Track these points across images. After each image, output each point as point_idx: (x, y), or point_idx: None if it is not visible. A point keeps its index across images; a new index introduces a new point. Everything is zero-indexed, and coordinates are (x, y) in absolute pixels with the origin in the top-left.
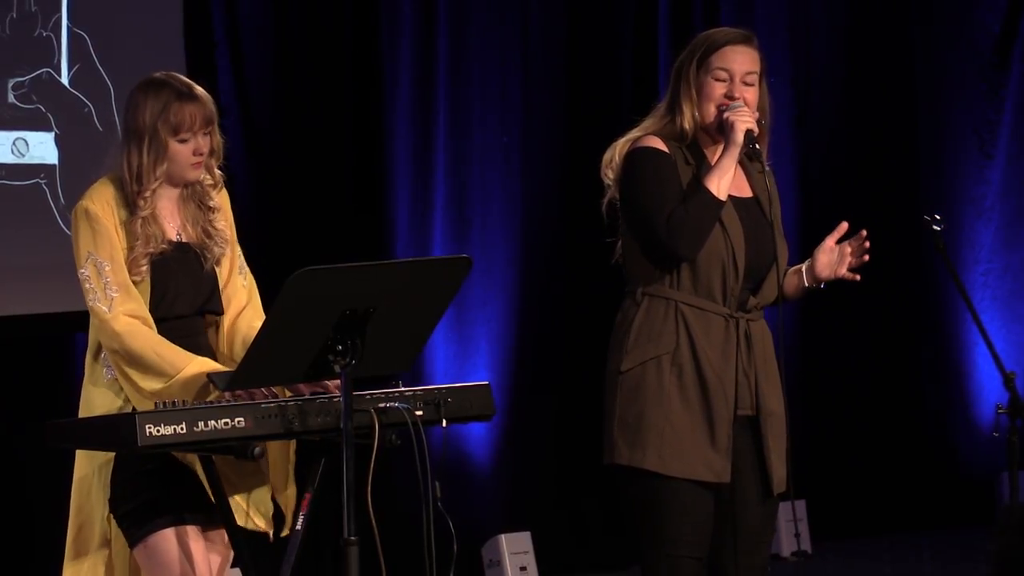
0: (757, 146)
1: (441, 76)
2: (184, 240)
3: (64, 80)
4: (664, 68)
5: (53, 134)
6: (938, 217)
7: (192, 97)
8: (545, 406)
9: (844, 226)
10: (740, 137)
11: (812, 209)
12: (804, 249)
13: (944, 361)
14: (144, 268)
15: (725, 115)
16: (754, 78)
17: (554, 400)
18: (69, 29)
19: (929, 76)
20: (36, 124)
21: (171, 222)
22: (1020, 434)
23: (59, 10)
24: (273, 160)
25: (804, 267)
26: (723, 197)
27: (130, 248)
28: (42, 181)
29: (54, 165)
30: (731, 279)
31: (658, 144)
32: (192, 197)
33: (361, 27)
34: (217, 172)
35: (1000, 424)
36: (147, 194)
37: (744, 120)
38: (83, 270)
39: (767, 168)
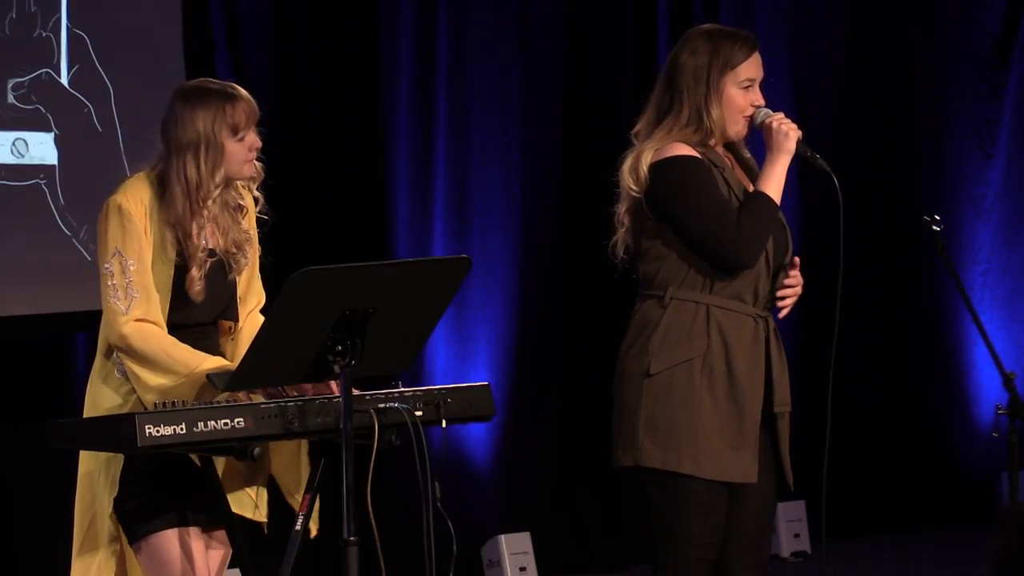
0: (815, 154)
1: (441, 76)
2: (211, 246)
3: (64, 80)
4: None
5: (53, 134)
6: (938, 217)
7: (238, 95)
8: (545, 406)
9: (796, 260)
10: (793, 145)
11: (812, 209)
12: (804, 251)
13: (944, 361)
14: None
15: (773, 124)
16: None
17: (554, 400)
18: (69, 29)
19: (929, 76)
20: (36, 124)
21: (207, 228)
22: (1020, 434)
23: (59, 10)
24: (273, 161)
25: None
26: (778, 204)
27: (160, 251)
28: (42, 181)
29: (54, 165)
30: (764, 279)
31: (693, 152)
32: (227, 203)
33: (361, 28)
34: (258, 164)
35: (1000, 424)
36: (209, 203)
37: (794, 128)
38: (108, 264)
39: (824, 166)
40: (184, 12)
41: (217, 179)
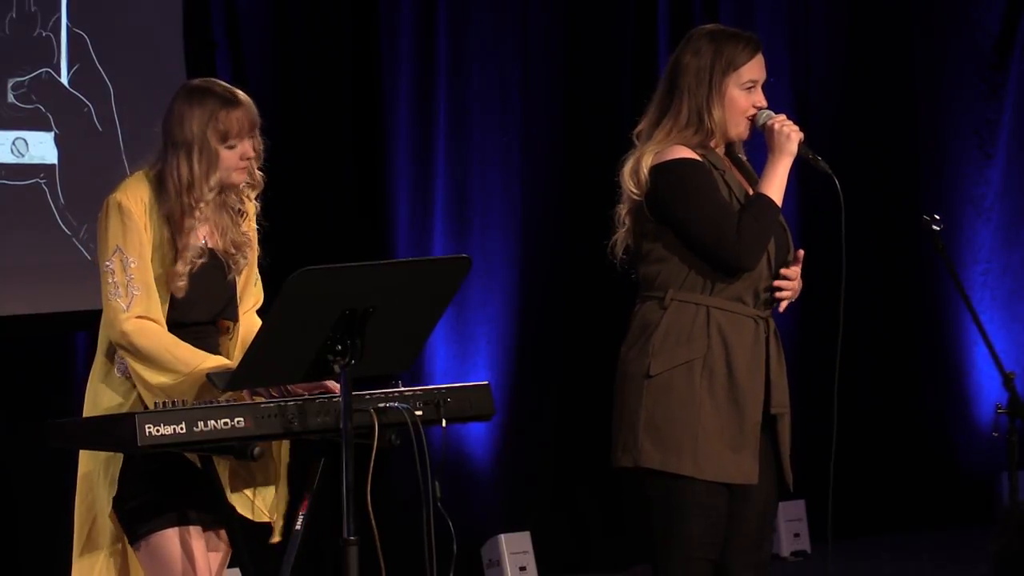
0: (816, 156)
1: (441, 76)
2: (210, 246)
3: (64, 80)
4: (664, 68)
5: (53, 134)
6: (937, 217)
7: (237, 103)
8: (545, 406)
9: (800, 254)
10: (795, 147)
11: (812, 209)
12: (804, 252)
13: (944, 361)
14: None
15: (775, 126)
16: None
17: (554, 400)
18: (69, 29)
19: (929, 76)
20: (36, 124)
21: (202, 228)
22: (1020, 434)
23: (59, 10)
24: (272, 161)
25: None
26: (780, 206)
27: (159, 249)
28: (42, 181)
29: (54, 165)
30: (765, 280)
31: (693, 155)
32: (226, 204)
33: (361, 28)
34: (258, 174)
35: (1000, 424)
36: (202, 205)
37: (795, 130)
38: (108, 262)
39: (825, 168)
40: (184, 12)
41: (212, 182)
